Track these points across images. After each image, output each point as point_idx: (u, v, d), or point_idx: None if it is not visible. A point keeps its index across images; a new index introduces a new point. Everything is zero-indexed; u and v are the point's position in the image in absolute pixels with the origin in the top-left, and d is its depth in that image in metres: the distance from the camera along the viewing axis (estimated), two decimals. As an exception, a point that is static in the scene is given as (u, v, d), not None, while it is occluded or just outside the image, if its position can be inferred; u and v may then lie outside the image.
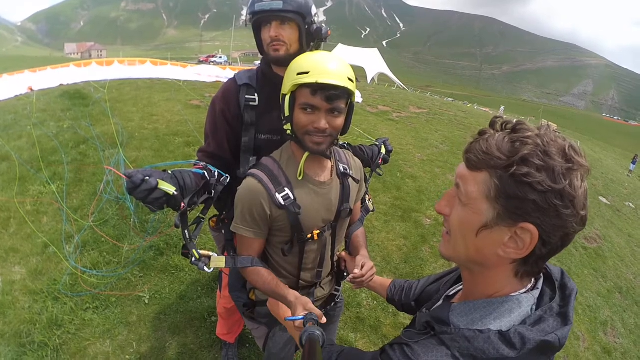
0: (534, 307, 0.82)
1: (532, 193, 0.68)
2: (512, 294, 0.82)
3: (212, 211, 2.06)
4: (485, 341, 0.76)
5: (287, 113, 1.46)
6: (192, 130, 6.95)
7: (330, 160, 1.65)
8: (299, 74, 1.38)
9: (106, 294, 3.23)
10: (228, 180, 1.66)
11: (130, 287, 3.35)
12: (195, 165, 1.68)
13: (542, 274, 0.88)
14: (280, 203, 1.48)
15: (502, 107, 59.68)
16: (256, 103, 1.82)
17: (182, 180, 1.43)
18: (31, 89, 10.38)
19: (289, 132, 1.51)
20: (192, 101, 9.70)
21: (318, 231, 1.61)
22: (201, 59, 75.68)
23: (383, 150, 2.22)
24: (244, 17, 1.88)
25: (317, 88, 1.35)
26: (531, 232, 0.71)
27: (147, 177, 1.26)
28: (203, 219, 1.65)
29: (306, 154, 1.52)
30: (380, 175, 2.24)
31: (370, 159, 2.17)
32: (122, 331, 2.96)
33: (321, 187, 1.59)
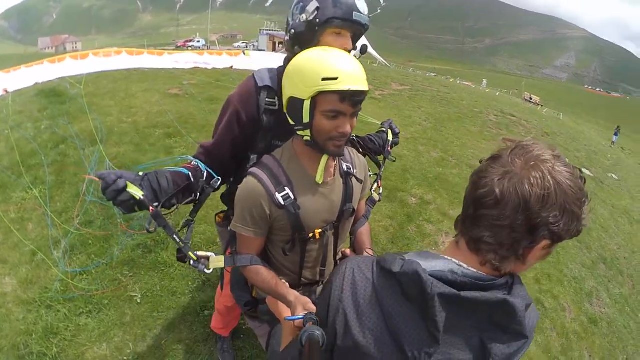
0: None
1: None
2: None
3: (222, 206, 2.10)
4: (392, 257, 0.97)
5: (306, 120, 1.38)
6: (172, 121, 6.86)
7: (334, 159, 1.61)
8: (324, 79, 1.29)
9: (98, 294, 3.24)
10: (218, 184, 1.63)
11: (122, 288, 3.36)
12: (188, 162, 1.66)
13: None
14: (280, 203, 1.46)
15: (484, 81, 59.33)
16: (276, 107, 1.72)
17: (157, 182, 1.43)
18: (6, 91, 10.16)
19: (307, 138, 1.44)
20: (171, 90, 9.51)
21: (320, 230, 1.59)
22: (178, 44, 74.29)
23: (390, 137, 2.20)
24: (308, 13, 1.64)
25: (347, 95, 1.30)
26: None
27: (119, 179, 1.30)
28: (192, 221, 1.63)
29: (325, 157, 1.49)
30: (393, 161, 2.22)
31: (381, 147, 2.15)
32: (118, 333, 2.98)
33: (323, 186, 1.56)
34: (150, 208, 1.36)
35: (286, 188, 1.48)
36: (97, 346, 2.87)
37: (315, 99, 1.33)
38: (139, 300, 3.25)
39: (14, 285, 3.39)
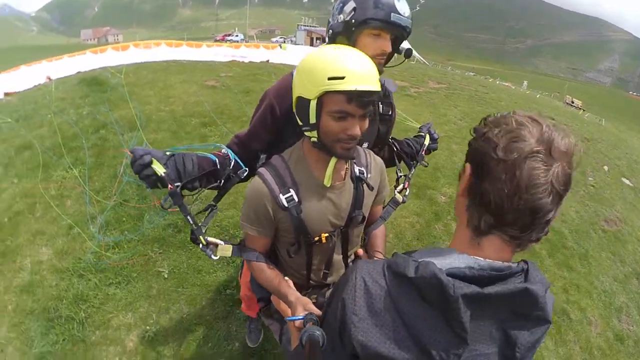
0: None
1: None
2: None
3: None
4: (404, 260, 0.91)
5: (313, 120, 1.32)
6: (208, 111, 7.03)
7: (345, 162, 1.54)
8: (330, 78, 1.22)
9: (128, 266, 3.43)
10: (245, 174, 1.59)
11: (150, 263, 3.53)
12: (219, 150, 1.67)
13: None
14: (283, 204, 1.44)
15: (525, 82, 57.23)
16: None
17: (182, 163, 1.48)
18: (49, 79, 10.58)
19: (314, 139, 1.38)
20: (208, 81, 9.72)
21: (326, 235, 1.54)
22: (217, 38, 75.10)
23: (427, 142, 2.14)
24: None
25: (354, 95, 1.23)
26: None
27: (145, 154, 1.36)
28: (215, 206, 1.59)
29: (334, 160, 1.44)
30: (425, 166, 2.16)
31: (416, 152, 2.12)
32: (143, 304, 3.15)
33: (331, 190, 1.51)
34: (169, 186, 1.41)
35: (291, 190, 1.45)
36: (122, 314, 3.04)
37: (322, 99, 1.27)
38: (165, 276, 3.40)
39: (50, 254, 3.60)
